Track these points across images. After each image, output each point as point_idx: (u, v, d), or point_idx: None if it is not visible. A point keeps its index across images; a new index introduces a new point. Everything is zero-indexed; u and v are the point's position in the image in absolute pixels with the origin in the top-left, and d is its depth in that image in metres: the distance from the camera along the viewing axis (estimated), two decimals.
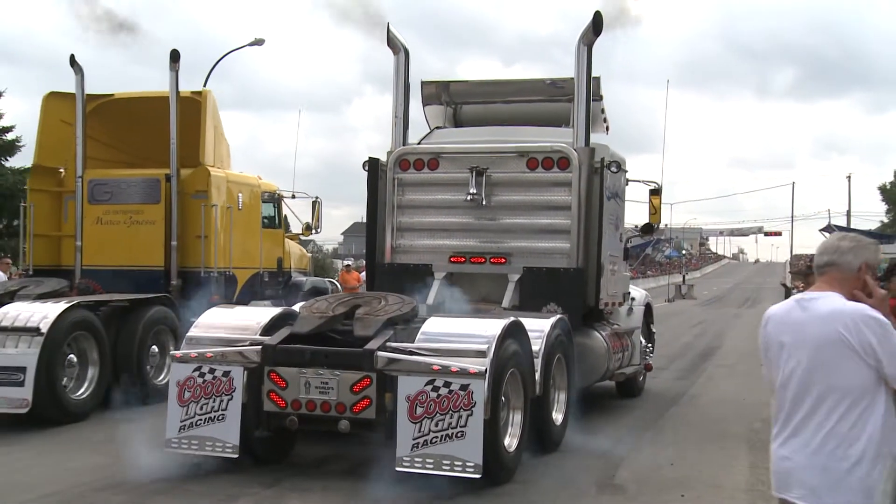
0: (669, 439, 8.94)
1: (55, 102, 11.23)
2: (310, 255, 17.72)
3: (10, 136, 31.08)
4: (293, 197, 14.92)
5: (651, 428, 9.76)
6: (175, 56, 10.56)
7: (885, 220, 61.89)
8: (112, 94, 11.48)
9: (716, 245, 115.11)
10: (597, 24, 9.35)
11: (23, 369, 8.75)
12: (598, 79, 10.09)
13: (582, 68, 9.48)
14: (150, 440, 7.50)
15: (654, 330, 12.97)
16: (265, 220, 13.76)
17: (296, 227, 15.81)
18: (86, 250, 11.08)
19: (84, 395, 9.56)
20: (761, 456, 8.23)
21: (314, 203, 15.25)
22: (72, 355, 9.48)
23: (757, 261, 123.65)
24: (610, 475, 7.50)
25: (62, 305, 9.35)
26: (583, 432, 8.68)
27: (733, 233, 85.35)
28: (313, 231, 15.51)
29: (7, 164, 31.24)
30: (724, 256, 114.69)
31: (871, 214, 79.45)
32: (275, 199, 14.27)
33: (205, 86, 27.80)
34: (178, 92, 11.31)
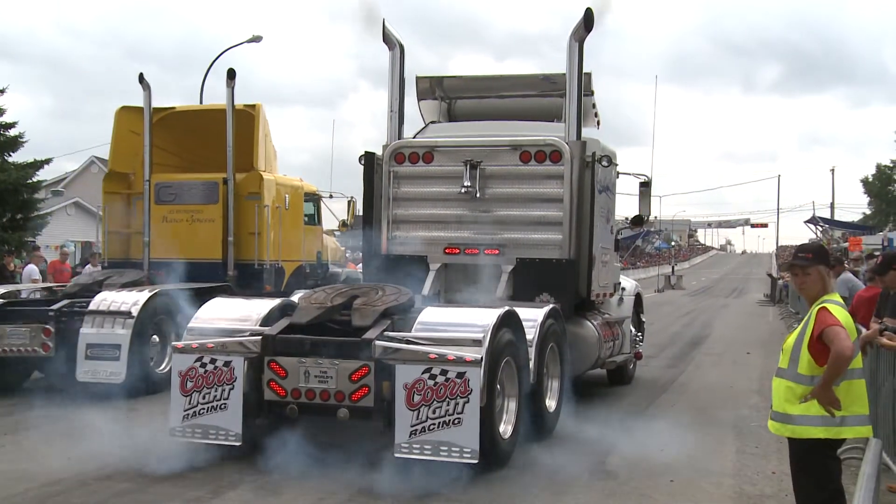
0: (659, 426, 8.97)
1: (125, 115, 12.37)
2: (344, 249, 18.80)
3: (12, 133, 30.94)
4: (330, 197, 16.24)
5: (641, 415, 9.81)
6: (231, 74, 11.40)
7: (868, 212, 62.06)
8: (174, 107, 12.64)
9: (704, 236, 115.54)
10: (588, 21, 9.35)
11: (118, 346, 10.11)
12: (589, 74, 10.10)
13: (573, 64, 9.49)
14: (154, 428, 7.52)
15: (643, 319, 13.01)
16: (307, 218, 14.99)
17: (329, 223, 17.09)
18: (153, 245, 12.26)
19: (165, 370, 10.42)
20: (748, 441, 8.31)
21: (349, 202, 16.71)
22: (155, 335, 10.76)
23: (744, 252, 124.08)
24: (601, 461, 7.54)
25: (146, 294, 10.61)
26: (575, 419, 8.72)
27: (721, 225, 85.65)
28: (348, 227, 16.82)
29: (10, 160, 31.10)
30: (712, 248, 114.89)
31: (854, 206, 79.99)
32: (315, 199, 15.51)
33: (204, 80, 27.81)
34: (233, 106, 12.34)
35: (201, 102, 24.85)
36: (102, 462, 7.12)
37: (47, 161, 34.24)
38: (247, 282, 12.62)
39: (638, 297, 12.52)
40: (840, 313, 4.66)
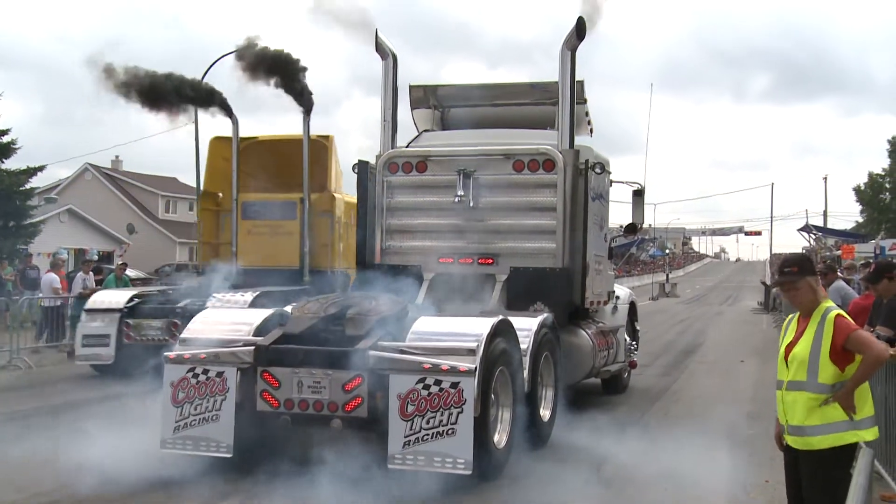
0: (653, 435, 8.96)
1: (217, 144, 14.41)
2: None
3: (5, 139, 30.84)
4: None
5: (636, 424, 9.79)
6: (308, 110, 12.57)
7: (860, 220, 62.14)
8: (257, 137, 14.26)
9: (698, 244, 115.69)
10: (580, 30, 9.38)
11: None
12: (581, 82, 10.12)
13: (566, 72, 9.51)
14: (145, 438, 7.47)
15: (638, 328, 13.01)
16: None
17: None
18: (239, 254, 14.05)
19: None
20: (742, 450, 8.29)
21: None
22: None
23: (738, 259, 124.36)
24: (596, 470, 7.51)
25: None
26: (570, 428, 8.69)
27: (715, 232, 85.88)
28: None
29: (3, 167, 31.01)
30: (707, 255, 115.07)
31: (846, 214, 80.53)
32: None
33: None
34: (309, 136, 13.92)
35: (196, 113, 25.02)
36: (93, 472, 7.06)
37: (40, 168, 34.16)
38: (321, 286, 13.39)
39: (632, 306, 12.52)
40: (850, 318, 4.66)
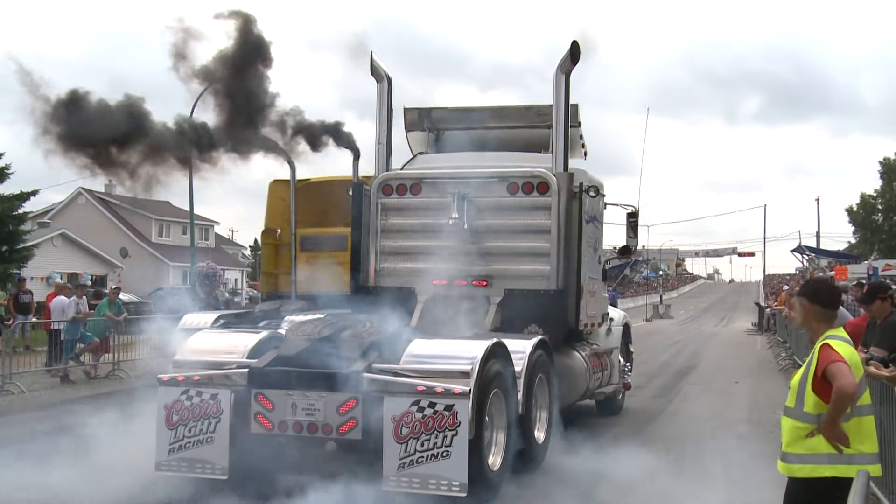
0: (648, 457, 8.94)
1: (275, 186, 15.37)
2: None
3: None
4: None
5: (630, 445, 9.76)
6: (357, 155, 12.52)
7: (853, 241, 62.52)
8: (309, 179, 15.06)
9: (692, 265, 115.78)
10: (574, 54, 9.45)
11: None
12: (575, 106, 10.19)
13: (560, 96, 9.56)
14: (138, 461, 7.43)
15: (632, 349, 13.02)
16: None
17: None
18: (298, 282, 14.76)
19: None
20: (736, 472, 8.28)
21: None
22: None
23: (732, 280, 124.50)
24: (590, 492, 7.50)
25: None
26: (564, 450, 8.68)
27: (708, 254, 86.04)
28: None
29: None
30: (700, 276, 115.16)
31: (839, 235, 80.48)
32: None
33: (192, 114, 27.92)
34: (358, 177, 14.09)
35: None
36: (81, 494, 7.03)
37: (33, 193, 34.19)
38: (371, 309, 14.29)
39: (626, 328, 12.53)
40: (844, 349, 4.55)
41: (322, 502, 6.84)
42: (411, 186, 9.87)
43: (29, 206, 35.76)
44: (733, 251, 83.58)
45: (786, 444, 4.60)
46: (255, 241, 53.63)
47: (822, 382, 4.46)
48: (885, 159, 57.36)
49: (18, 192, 32.66)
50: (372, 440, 6.87)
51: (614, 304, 17.23)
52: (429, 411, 6.75)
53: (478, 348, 7.16)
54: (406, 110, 11.02)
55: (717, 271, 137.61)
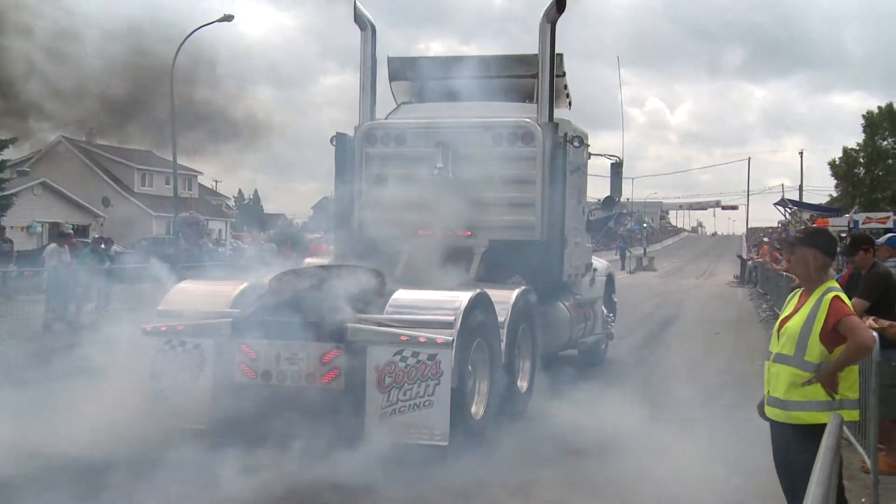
0: (630, 405, 9.03)
1: None
2: None
3: None
4: None
5: (613, 394, 9.83)
6: None
7: (835, 195, 62.76)
8: None
9: (676, 218, 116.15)
10: (560, 2, 9.34)
11: None
12: (560, 55, 10.07)
13: (545, 45, 9.47)
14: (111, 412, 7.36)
15: (615, 300, 13.09)
16: None
17: None
18: None
19: None
20: (718, 421, 8.39)
21: None
22: None
23: (715, 233, 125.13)
24: (573, 440, 7.56)
25: None
26: (547, 399, 8.75)
27: (692, 206, 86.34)
28: None
29: None
30: (684, 229, 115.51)
31: (821, 189, 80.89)
32: None
33: (175, 59, 27.60)
34: None
35: (171, 86, 24.80)
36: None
37: (12, 140, 33.67)
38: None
39: (610, 278, 12.59)
40: (850, 303, 4.66)
41: (304, 452, 6.88)
42: (396, 136, 9.78)
43: (7, 154, 35.30)
44: (717, 204, 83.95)
45: (784, 392, 4.64)
46: (239, 191, 53.42)
47: (832, 333, 4.54)
48: (868, 112, 57.40)
49: None
50: (355, 390, 6.90)
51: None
52: (412, 361, 6.78)
53: (461, 298, 7.17)
54: (390, 59, 10.87)
55: (700, 224, 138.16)
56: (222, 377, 7.10)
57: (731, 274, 41.57)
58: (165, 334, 7.19)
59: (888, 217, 39.44)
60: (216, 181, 64.07)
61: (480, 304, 7.40)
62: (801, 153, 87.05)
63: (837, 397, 4.56)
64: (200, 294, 7.82)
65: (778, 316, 5.00)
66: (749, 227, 78.21)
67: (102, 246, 18.93)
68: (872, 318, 6.14)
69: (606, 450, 7.27)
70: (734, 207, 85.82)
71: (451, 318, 6.95)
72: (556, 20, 9.44)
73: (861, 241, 7.58)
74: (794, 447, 4.59)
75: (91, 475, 6.40)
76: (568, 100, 10.97)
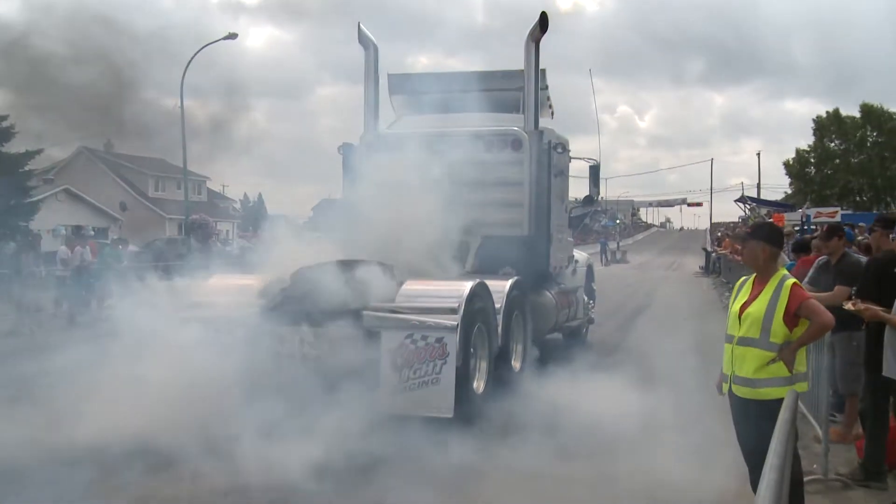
0: (608, 384, 9.23)
1: None
2: None
3: (5, 124, 30.34)
4: None
5: (593, 374, 10.08)
6: None
7: (789, 192, 63.43)
8: None
9: (646, 215, 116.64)
10: (543, 23, 9.66)
11: None
12: (544, 70, 10.39)
13: (530, 62, 9.78)
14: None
15: (595, 288, 13.43)
16: None
17: None
18: None
19: None
20: (687, 398, 8.49)
21: None
22: None
23: (682, 228, 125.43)
24: (560, 411, 7.73)
25: None
26: (538, 377, 9.02)
27: (661, 204, 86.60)
28: None
29: (3, 150, 30.62)
30: (653, 225, 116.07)
31: (777, 187, 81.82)
32: None
33: (184, 77, 27.68)
34: None
35: (182, 100, 24.96)
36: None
37: (38, 151, 33.69)
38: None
39: (589, 269, 12.93)
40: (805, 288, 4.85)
41: (325, 425, 7.15)
42: (398, 144, 10.06)
43: (33, 164, 35.33)
44: (683, 201, 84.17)
45: (753, 371, 4.74)
46: (245, 195, 53.42)
47: (793, 317, 4.70)
48: (817, 117, 58.23)
49: (24, 150, 32.17)
50: (370, 369, 7.20)
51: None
52: (421, 343, 7.10)
53: (463, 287, 7.49)
54: (390, 76, 11.16)
55: (668, 220, 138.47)
56: (254, 359, 7.36)
57: (696, 265, 41.73)
58: (202, 322, 7.44)
59: (836, 211, 39.48)
60: (223, 185, 64.00)
61: (480, 293, 7.72)
62: (759, 154, 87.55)
63: (794, 372, 4.71)
64: (230, 286, 8.08)
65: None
66: (713, 222, 78.76)
67: (120, 246, 19.18)
68: (852, 301, 6.07)
69: (584, 425, 7.33)
70: (699, 204, 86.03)
71: (456, 304, 7.27)
72: (540, 39, 9.76)
73: (836, 230, 7.69)
74: (756, 421, 4.66)
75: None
76: (551, 110, 11.29)
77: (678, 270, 41.54)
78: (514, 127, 9.87)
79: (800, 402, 6.70)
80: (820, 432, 6.56)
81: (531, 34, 9.71)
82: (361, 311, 7.29)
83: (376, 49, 10.30)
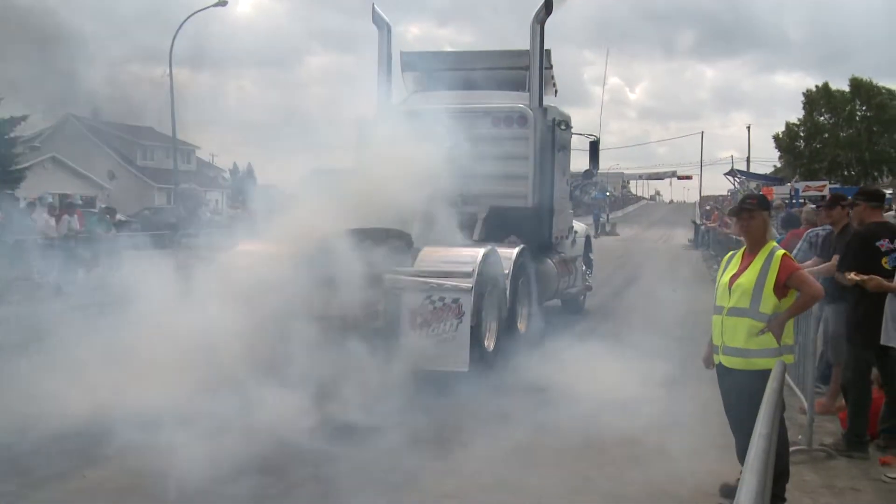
0: (601, 347, 9.75)
1: None
2: None
3: None
4: None
5: (587, 339, 10.76)
6: None
7: (778, 166, 63.79)
8: None
9: (636, 188, 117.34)
10: (548, 5, 10.38)
11: None
12: (548, 51, 11.14)
13: (535, 43, 10.52)
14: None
15: (592, 258, 14.31)
16: None
17: None
18: None
19: None
20: (673, 369, 8.69)
21: None
22: None
23: (671, 201, 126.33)
24: (560, 368, 8.47)
25: None
26: (540, 337, 9.88)
27: (651, 176, 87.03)
28: None
29: None
30: (643, 198, 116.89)
31: (766, 161, 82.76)
32: None
33: (172, 44, 27.97)
34: None
35: (171, 68, 25.35)
36: None
37: (23, 118, 33.82)
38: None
39: (587, 239, 13.83)
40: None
41: (351, 380, 7.94)
42: (410, 119, 10.78)
43: (19, 131, 35.47)
44: (673, 174, 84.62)
45: (744, 341, 4.87)
46: (234, 164, 53.35)
47: (783, 287, 4.86)
48: (807, 91, 58.65)
49: (9, 116, 32.28)
50: (393, 328, 8.02)
51: None
52: (439, 304, 7.92)
53: (477, 253, 8.30)
54: (403, 54, 11.86)
55: (658, 193, 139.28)
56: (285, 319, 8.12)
57: (685, 238, 42.10)
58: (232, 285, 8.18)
59: (824, 185, 40.91)
60: (213, 155, 64.15)
61: (492, 259, 8.54)
62: (749, 127, 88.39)
63: (782, 344, 4.86)
64: (256, 253, 8.77)
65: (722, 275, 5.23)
66: (702, 195, 79.53)
67: (108, 216, 19.53)
68: (853, 272, 6.00)
69: (573, 381, 8.01)
70: (689, 177, 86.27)
71: (470, 269, 8.09)
72: (545, 21, 10.50)
73: (840, 198, 7.57)
74: (747, 390, 4.71)
75: None
76: (554, 88, 12.05)
77: (667, 243, 41.75)
78: (519, 104, 10.62)
79: (786, 374, 6.85)
80: (805, 404, 6.81)
81: (536, 16, 10.45)
82: (384, 274, 8.08)
83: (389, 29, 11.00)
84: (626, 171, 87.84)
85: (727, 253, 5.46)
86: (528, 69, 10.81)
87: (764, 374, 4.52)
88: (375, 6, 10.90)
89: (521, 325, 9.67)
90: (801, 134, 58.81)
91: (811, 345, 6.78)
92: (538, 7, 10.47)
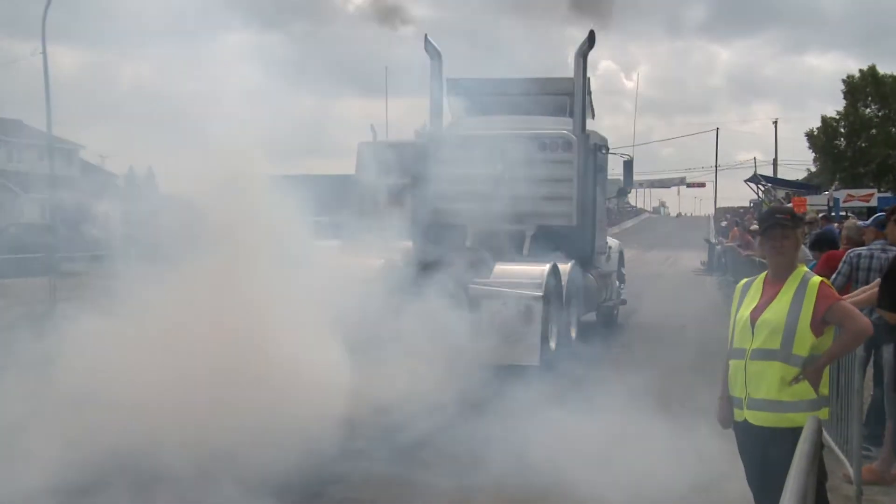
0: (643, 354, 14.86)
1: None
2: None
3: None
4: None
5: (625, 347, 15.85)
6: None
7: (813, 170, 66.40)
8: None
9: (636, 198, 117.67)
10: (591, 40, 15.58)
11: None
12: (589, 79, 16.29)
13: (579, 74, 15.68)
14: None
15: (624, 272, 19.60)
16: None
17: None
18: None
19: None
20: (694, 380, 11.55)
21: None
22: None
23: (679, 214, 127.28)
24: (605, 367, 13.47)
25: None
26: (585, 344, 14.96)
27: (654, 184, 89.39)
28: None
29: None
30: (645, 210, 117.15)
31: (798, 163, 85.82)
32: None
33: (45, 14, 29.15)
34: None
35: (44, 44, 27.20)
36: None
37: None
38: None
39: (620, 255, 19.15)
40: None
41: (437, 375, 12.78)
42: (462, 143, 15.76)
43: None
44: (681, 181, 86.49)
45: (776, 392, 4.96)
46: (130, 168, 54.64)
47: (820, 323, 4.95)
48: (848, 77, 61.41)
49: None
50: (475, 329, 12.99)
51: None
52: (513, 310, 12.97)
53: (544, 268, 13.40)
54: (449, 80, 16.76)
55: (663, 204, 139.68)
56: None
57: (697, 260, 42.86)
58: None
59: (871, 194, 43.33)
60: (102, 157, 64.90)
61: (553, 272, 13.65)
62: (775, 123, 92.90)
63: (819, 394, 4.97)
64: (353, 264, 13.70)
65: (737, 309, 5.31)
66: (717, 207, 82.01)
67: None
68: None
69: (625, 380, 10.82)
70: (701, 185, 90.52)
71: (539, 280, 13.17)
72: (587, 53, 15.69)
73: (892, 213, 8.00)
74: (781, 453, 4.65)
75: None
76: (592, 111, 17.19)
77: (674, 267, 42.73)
78: (563, 129, 15.77)
79: (826, 434, 7.06)
80: (851, 470, 7.04)
81: (580, 49, 15.61)
82: (468, 285, 13.10)
83: (440, 58, 16.05)
84: (622, 178, 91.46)
85: (741, 281, 5.56)
86: (567, 95, 15.90)
87: (798, 433, 4.62)
88: (428, 37, 15.93)
89: (573, 331, 14.79)
90: (842, 130, 61.57)
91: (856, 396, 6.91)
92: (581, 41, 15.63)
